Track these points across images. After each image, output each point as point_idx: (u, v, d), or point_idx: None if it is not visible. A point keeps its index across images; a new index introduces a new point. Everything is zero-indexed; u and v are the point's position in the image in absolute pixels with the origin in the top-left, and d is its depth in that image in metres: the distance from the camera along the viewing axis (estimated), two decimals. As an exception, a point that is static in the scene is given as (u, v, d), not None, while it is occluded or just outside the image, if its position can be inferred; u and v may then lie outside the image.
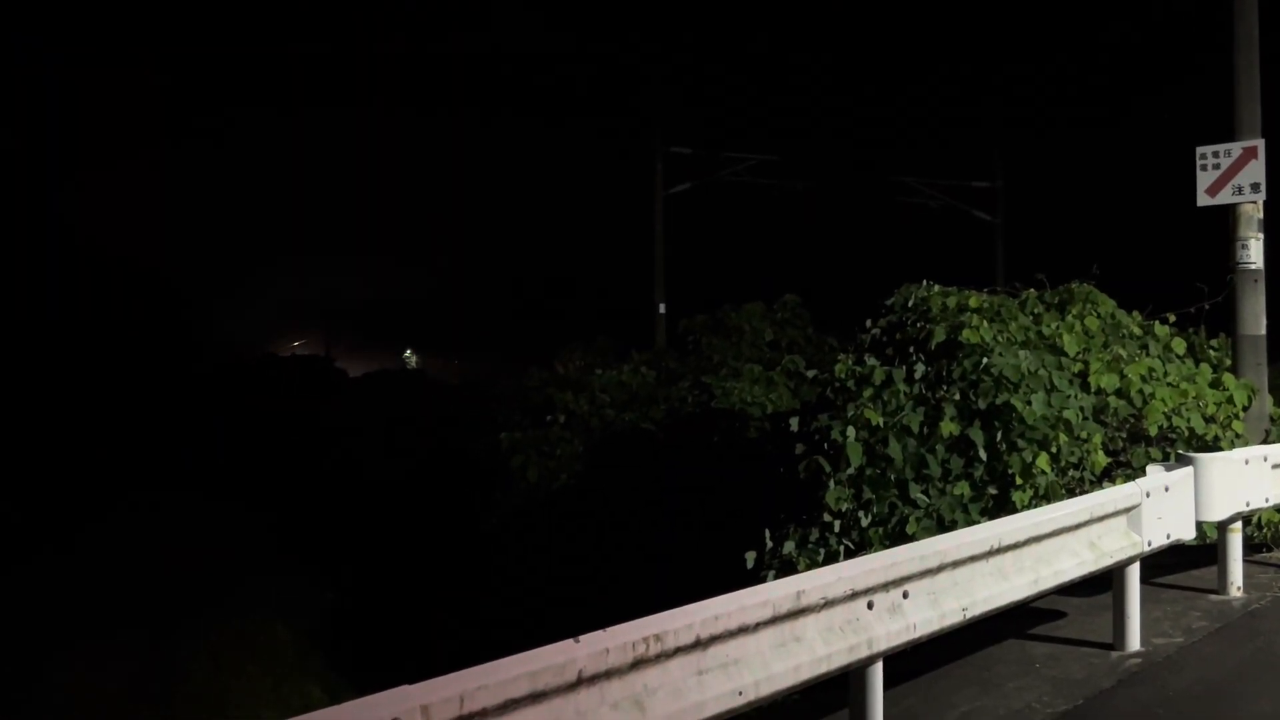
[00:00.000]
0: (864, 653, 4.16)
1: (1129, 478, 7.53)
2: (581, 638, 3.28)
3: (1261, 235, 9.41)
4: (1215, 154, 9.36)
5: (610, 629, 3.36)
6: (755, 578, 7.89)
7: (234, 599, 16.29)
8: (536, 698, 3.04)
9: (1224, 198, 9.33)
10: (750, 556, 8.18)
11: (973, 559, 4.76)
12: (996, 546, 4.89)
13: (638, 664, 3.38)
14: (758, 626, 3.83)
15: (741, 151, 24.60)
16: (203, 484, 23.47)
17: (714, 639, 3.64)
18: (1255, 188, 9.19)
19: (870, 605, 4.24)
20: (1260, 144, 9.19)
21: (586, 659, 3.20)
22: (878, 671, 4.30)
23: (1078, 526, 5.39)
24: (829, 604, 4.08)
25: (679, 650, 3.53)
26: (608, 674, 3.28)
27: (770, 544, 8.20)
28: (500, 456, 15.04)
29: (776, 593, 3.94)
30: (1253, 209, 9.30)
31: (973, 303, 9.08)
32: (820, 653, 4.02)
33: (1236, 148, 9.27)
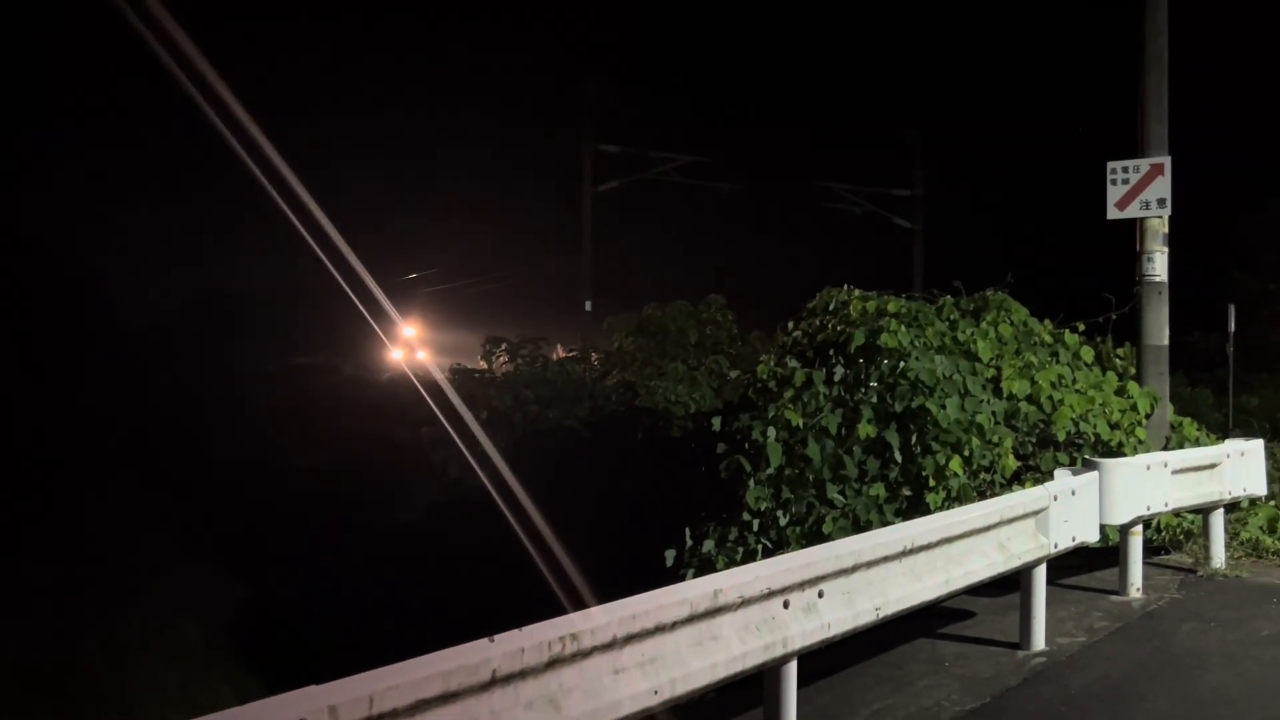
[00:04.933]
0: (779, 651, 4.20)
1: (1038, 481, 7.75)
2: (496, 637, 3.24)
3: (1166, 249, 9.76)
4: (1124, 169, 9.68)
5: (526, 628, 3.33)
6: (675, 576, 7.93)
7: (140, 594, 15.77)
8: (449, 698, 2.99)
9: (1132, 212, 9.65)
10: (670, 555, 8.22)
11: (886, 559, 4.84)
12: (910, 547, 4.98)
13: (553, 663, 3.36)
14: (675, 625, 3.84)
15: (671, 152, 24.67)
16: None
17: (631, 638, 3.63)
18: (1161, 203, 9.53)
19: (786, 604, 4.29)
20: (1167, 161, 9.53)
21: (501, 658, 3.17)
22: (792, 670, 4.35)
23: (988, 528, 5.52)
24: (746, 603, 4.11)
25: (596, 649, 3.51)
26: (523, 673, 3.25)
27: (690, 542, 8.25)
28: (421, 451, 14.85)
29: (694, 591, 3.96)
30: (1158, 223, 9.64)
31: (891, 308, 9.25)
32: (736, 651, 4.04)
33: (1145, 164, 9.60)
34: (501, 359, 17.66)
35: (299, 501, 18.30)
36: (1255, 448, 8.14)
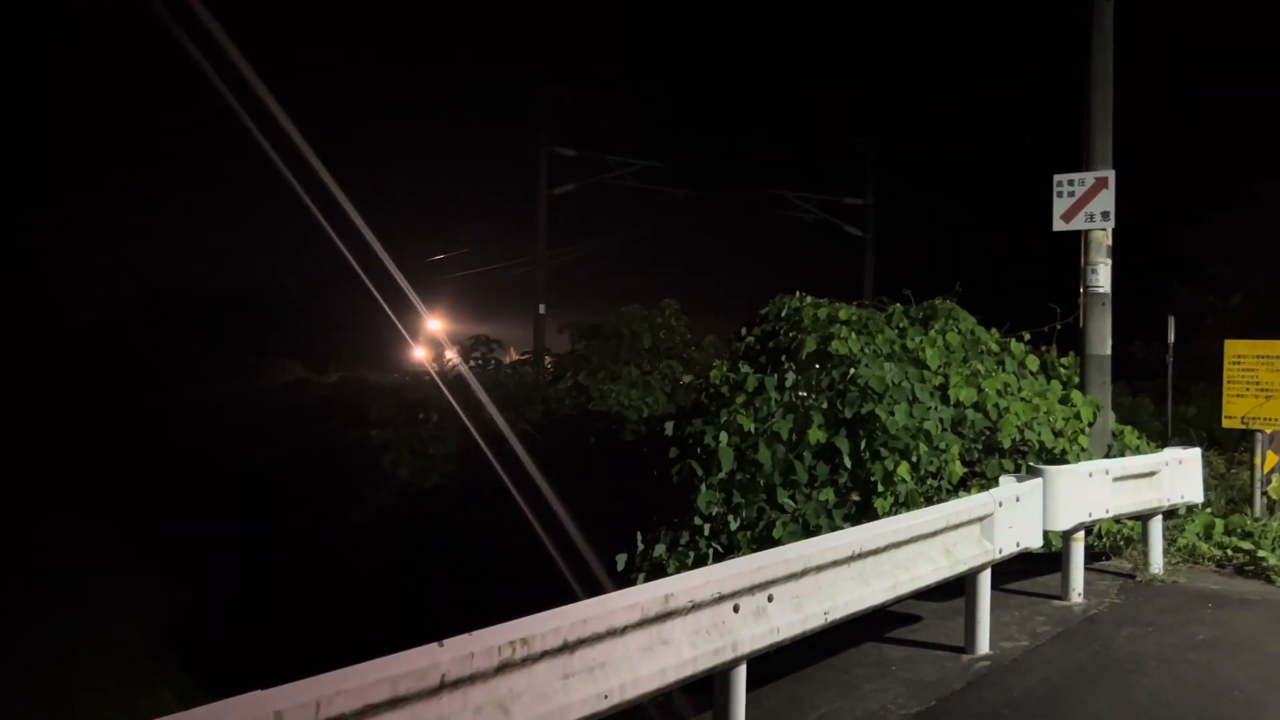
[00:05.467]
0: (729, 655, 4.23)
1: (983, 487, 7.89)
2: (446, 641, 3.23)
3: (1110, 261, 9.97)
4: (1070, 182, 9.89)
5: (476, 632, 3.32)
6: (626, 580, 7.94)
7: (82, 599, 15.42)
8: (397, 703, 2.97)
9: (1077, 224, 9.86)
10: (621, 559, 8.22)
11: (835, 564, 4.90)
12: (858, 552, 5.04)
13: (503, 668, 3.35)
14: (626, 630, 3.85)
15: (628, 157, 24.70)
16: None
17: (582, 642, 3.64)
18: (1105, 216, 9.74)
19: (736, 608, 4.32)
20: (1111, 175, 9.75)
21: (450, 663, 3.15)
22: (741, 674, 4.38)
23: (935, 534, 5.60)
24: (696, 607, 4.14)
25: (546, 654, 3.51)
26: (472, 678, 3.24)
27: (642, 546, 8.26)
28: (371, 454, 14.71)
29: (645, 596, 3.97)
30: (1102, 235, 9.86)
31: (842, 315, 9.35)
32: (686, 655, 4.06)
33: (1090, 177, 9.81)
34: (453, 361, 17.55)
35: (242, 504, 18.05)
36: (1193, 456, 8.35)
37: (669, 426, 9.25)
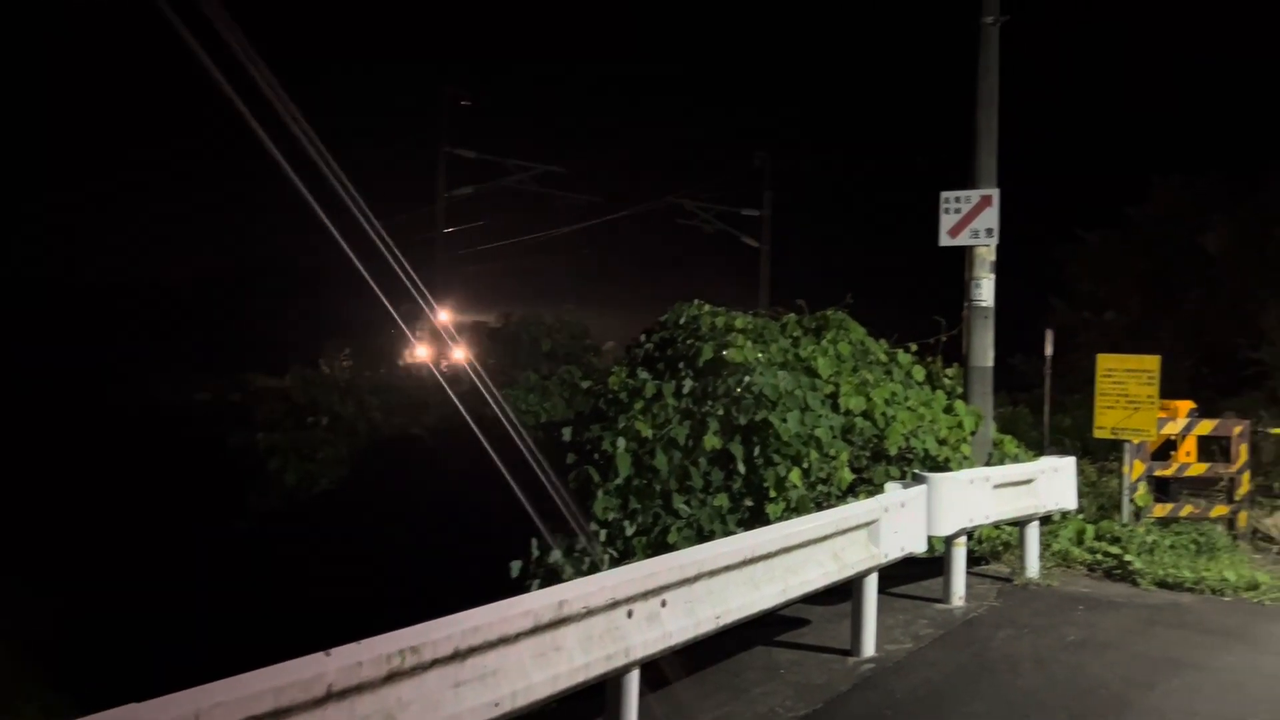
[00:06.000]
0: (621, 661, 4.24)
1: (871, 493, 8.10)
2: (333, 651, 3.15)
3: (993, 275, 10.37)
4: (957, 199, 10.25)
5: (364, 641, 3.25)
6: (520, 586, 7.88)
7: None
8: (280, 714, 2.89)
9: (963, 239, 10.22)
10: (516, 565, 8.16)
11: (728, 569, 4.96)
12: (750, 557, 5.12)
13: (392, 677, 3.29)
14: (519, 637, 3.83)
15: (530, 161, 24.60)
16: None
17: (473, 650, 3.60)
18: (989, 232, 10.13)
19: (630, 614, 4.33)
20: (995, 193, 10.15)
21: (337, 673, 3.08)
22: (634, 679, 4.40)
23: (824, 539, 5.73)
24: (591, 613, 4.14)
25: (436, 662, 3.46)
26: (359, 688, 3.17)
27: (537, 553, 8.22)
28: (258, 457, 14.27)
29: (539, 602, 3.95)
30: (986, 251, 10.25)
31: (738, 324, 9.49)
32: (579, 662, 4.06)
33: (975, 195, 10.19)
34: (345, 363, 17.17)
35: (113, 512, 17.27)
36: (1067, 465, 8.73)
37: (567, 432, 9.23)
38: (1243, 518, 9.81)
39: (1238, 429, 10.01)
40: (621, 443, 8.29)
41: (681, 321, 10.07)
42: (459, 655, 3.54)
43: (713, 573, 4.84)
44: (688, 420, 8.71)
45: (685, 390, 8.97)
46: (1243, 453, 9.91)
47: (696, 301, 10.31)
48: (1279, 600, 7.72)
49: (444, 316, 22.27)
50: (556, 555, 8.07)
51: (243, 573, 13.42)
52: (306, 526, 13.26)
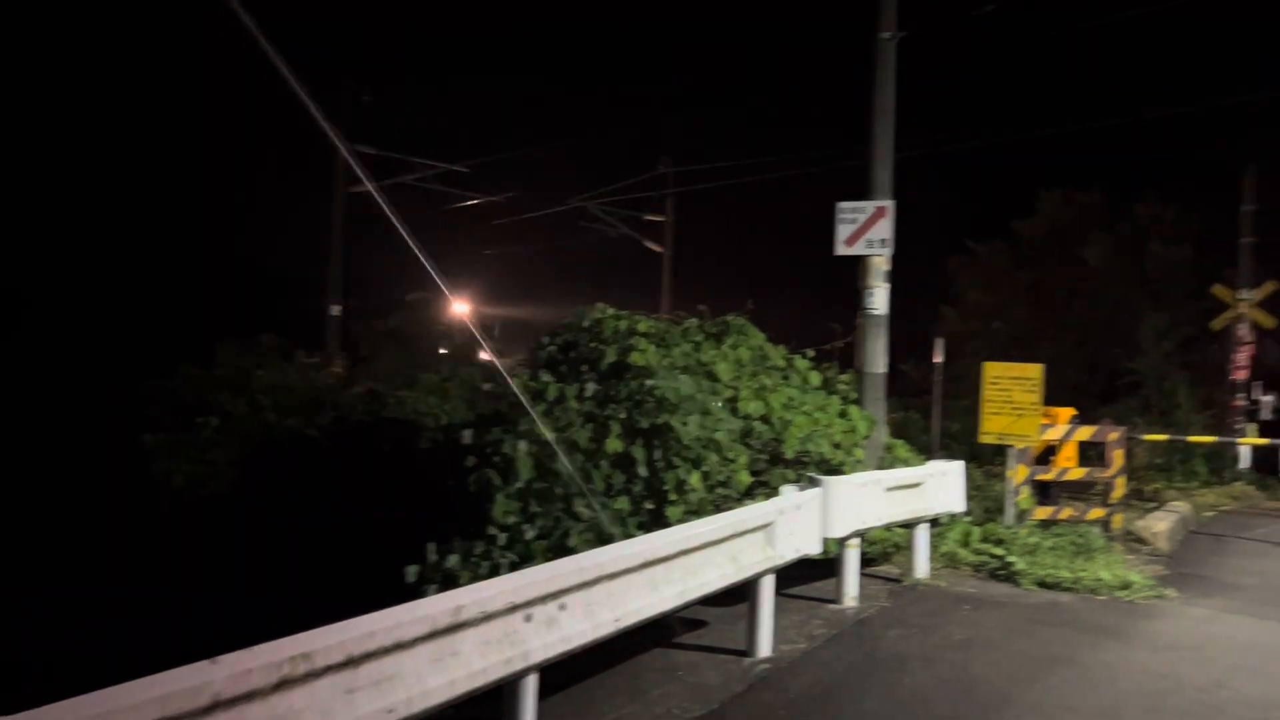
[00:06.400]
0: (519, 665, 4.23)
1: (768, 496, 8.24)
2: (220, 658, 3.07)
3: (887, 285, 10.67)
4: (852, 210, 10.52)
5: (253, 648, 3.17)
6: (418, 592, 7.77)
7: None
8: (164, 725, 2.80)
9: (858, 249, 10.49)
10: (413, 570, 8.04)
11: (628, 571, 5.00)
12: (650, 559, 5.16)
13: (283, 685, 3.21)
14: (414, 642, 3.78)
15: (435, 160, 24.22)
16: None
17: (367, 656, 3.54)
18: (883, 243, 10.42)
19: (529, 618, 4.32)
20: (890, 205, 10.44)
21: (224, 681, 3.00)
22: (531, 683, 4.39)
23: (722, 541, 5.82)
24: (488, 618, 4.11)
25: (330, 669, 3.40)
26: (249, 696, 3.09)
27: (435, 557, 8.12)
28: (142, 459, 13.71)
29: (435, 608, 3.91)
30: (880, 261, 10.54)
31: (641, 327, 9.55)
32: (477, 666, 4.03)
33: (870, 206, 10.47)
34: (236, 361, 16.61)
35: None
36: (956, 469, 9.04)
37: (467, 434, 9.13)
38: (1117, 520, 10.31)
39: (1113, 435, 10.51)
40: (523, 445, 8.25)
41: (585, 324, 10.07)
42: (353, 661, 3.48)
43: (613, 575, 4.87)
44: (590, 423, 8.73)
45: (588, 393, 8.98)
46: (1117, 458, 10.41)
47: (600, 305, 10.33)
48: (1149, 599, 8.14)
49: (335, 313, 21.77)
50: (454, 559, 7.98)
51: (126, 579, 12.89)
52: (195, 530, 12.80)
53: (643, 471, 8.44)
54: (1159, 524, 10.67)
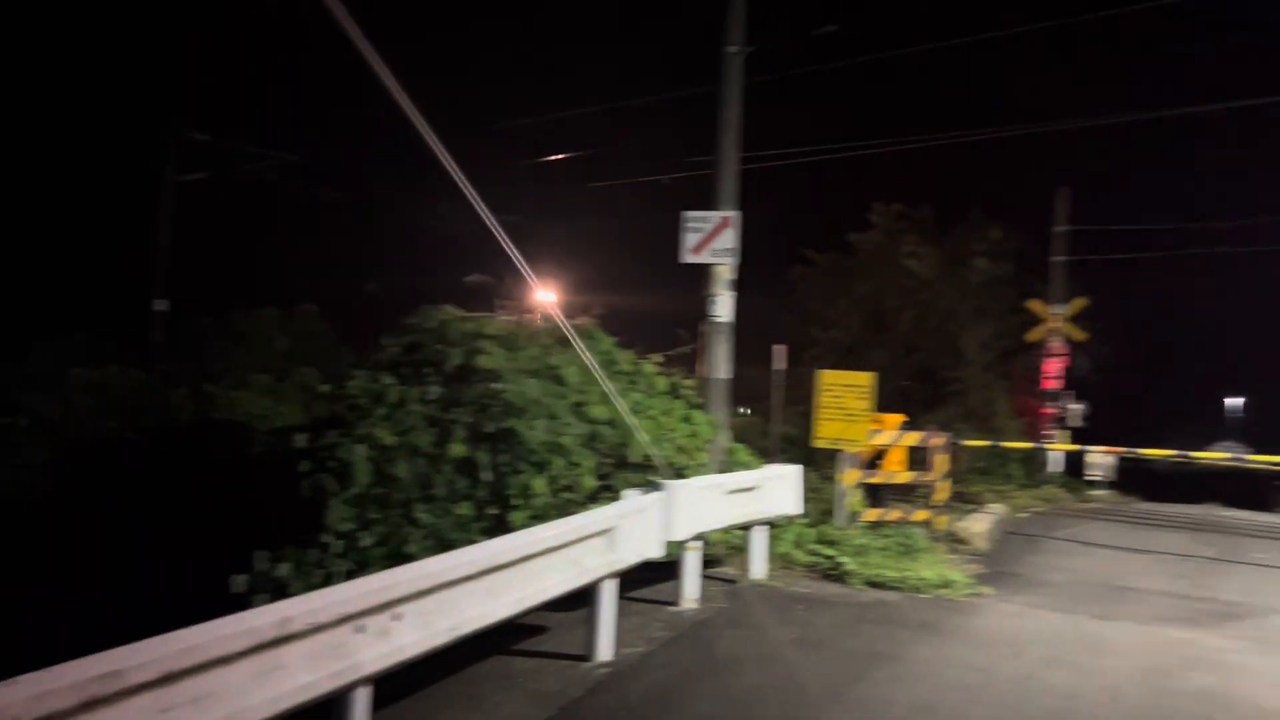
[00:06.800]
0: (350, 677, 4.10)
1: (613, 500, 8.29)
2: (19, 679, 2.86)
3: (732, 293, 10.92)
4: (699, 219, 10.72)
5: (55, 668, 2.97)
6: (247, 602, 7.44)
7: None
8: (-51, 755, 2.58)
9: (703, 258, 10.70)
10: (241, 580, 7.70)
11: (466, 579, 4.92)
12: (489, 566, 5.10)
13: (90, 705, 3.02)
14: (237, 657, 3.62)
15: (273, 150, 23.26)
16: None
17: (185, 673, 3.36)
18: (729, 252, 10.66)
19: (361, 629, 4.20)
20: (735, 215, 10.69)
21: (23, 704, 2.80)
22: (363, 696, 4.27)
23: (564, 546, 5.81)
24: (318, 629, 3.98)
25: (143, 687, 3.21)
26: (49, 719, 2.89)
27: (266, 566, 7.80)
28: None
29: (260, 620, 3.76)
30: (725, 270, 10.78)
31: (488, 330, 9.45)
32: (304, 680, 3.89)
33: (716, 216, 10.69)
34: (49, 359, 15.50)
35: None
36: (793, 472, 9.33)
37: (301, 438, 8.81)
38: (940, 521, 10.86)
39: (937, 441, 11.08)
40: (361, 450, 8.03)
41: (430, 326, 9.89)
42: (169, 678, 3.30)
43: (450, 584, 4.78)
44: (433, 427, 8.58)
45: (432, 396, 8.82)
46: (940, 463, 10.98)
47: (446, 306, 10.16)
48: (968, 596, 8.61)
49: (161, 308, 20.64)
50: (286, 568, 7.69)
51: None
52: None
53: (487, 476, 8.35)
54: (978, 525, 11.31)
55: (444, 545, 7.81)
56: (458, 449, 8.35)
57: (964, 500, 13.56)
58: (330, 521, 7.84)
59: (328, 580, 7.53)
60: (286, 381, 13.91)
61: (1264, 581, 9.82)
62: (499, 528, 8.06)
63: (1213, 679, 6.50)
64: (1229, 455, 12.92)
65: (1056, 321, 19.91)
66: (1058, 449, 17.69)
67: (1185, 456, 13.45)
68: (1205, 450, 13.27)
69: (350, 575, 7.42)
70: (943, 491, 11.03)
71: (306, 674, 3.89)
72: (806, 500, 11.00)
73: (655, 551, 6.91)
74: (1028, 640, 7.31)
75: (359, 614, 4.18)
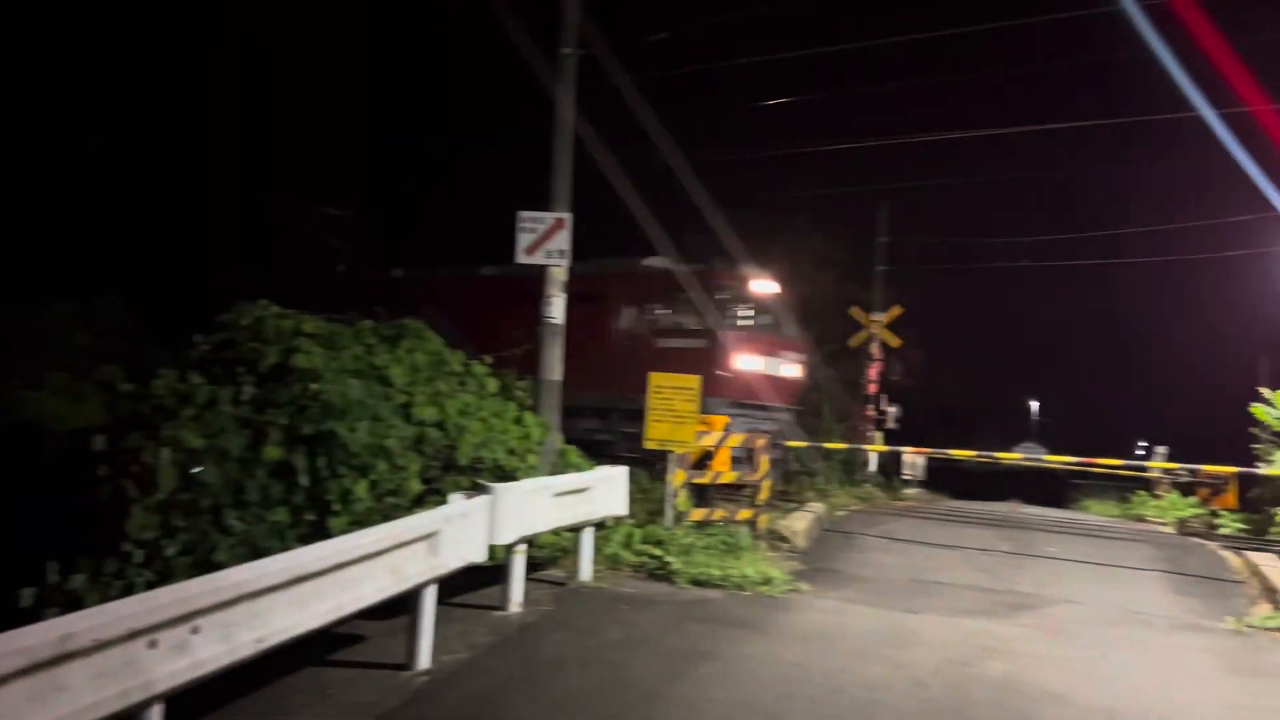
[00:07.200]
0: (139, 696, 3.85)
1: (439, 504, 8.13)
2: None
3: (564, 295, 10.91)
4: (534, 220, 10.67)
5: None
6: (36, 616, 6.89)
7: None
8: None
9: (538, 259, 10.66)
10: (28, 593, 7.12)
11: (273, 589, 4.70)
12: (299, 575, 4.90)
13: None
14: (8, 678, 3.34)
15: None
16: None
17: (-58, 700, 3.07)
18: (562, 253, 10.65)
19: (153, 644, 3.95)
20: (568, 217, 10.69)
21: None
22: (156, 715, 4.01)
23: (381, 553, 5.64)
24: (103, 646, 3.71)
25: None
26: None
27: (57, 578, 7.24)
28: None
29: (36, 638, 3.47)
30: (559, 271, 10.77)
31: (307, 328, 9.10)
32: (87, 701, 3.63)
33: (550, 217, 10.67)
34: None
35: None
36: (620, 474, 9.40)
37: (99, 441, 8.23)
38: (763, 520, 11.17)
39: (760, 442, 11.39)
40: (165, 453, 7.57)
41: (245, 323, 9.43)
42: (-79, 708, 3.00)
43: (255, 594, 4.56)
44: (246, 429, 8.18)
45: (245, 397, 8.42)
46: (764, 463, 11.29)
47: (263, 302, 9.71)
48: (786, 593, 8.88)
49: None
50: (80, 580, 7.16)
51: None
52: None
53: (304, 481, 8.04)
54: (798, 523, 11.69)
55: (257, 553, 7.45)
56: (273, 452, 7.99)
57: (787, 499, 14.00)
58: (131, 530, 7.36)
59: (128, 591, 7.05)
60: (86, 380, 12.98)
61: (1055, 574, 10.56)
62: (317, 534, 7.76)
63: (1007, 666, 6.93)
64: (1025, 456, 13.85)
65: (875, 328, 20.86)
66: (874, 450, 18.53)
67: (989, 457, 14.32)
68: (1007, 451, 14.18)
69: (152, 586, 6.98)
70: (765, 491, 11.35)
71: (91, 694, 3.63)
72: (636, 501, 11.12)
73: (479, 556, 6.80)
74: (842, 635, 7.60)
75: (151, 628, 3.92)
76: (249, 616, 4.52)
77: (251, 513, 7.85)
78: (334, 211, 26.59)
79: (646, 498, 11.59)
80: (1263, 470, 12.30)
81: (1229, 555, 11.92)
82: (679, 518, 10.53)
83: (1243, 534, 14.28)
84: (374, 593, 5.54)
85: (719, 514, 10.93)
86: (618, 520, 9.81)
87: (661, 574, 9.19)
